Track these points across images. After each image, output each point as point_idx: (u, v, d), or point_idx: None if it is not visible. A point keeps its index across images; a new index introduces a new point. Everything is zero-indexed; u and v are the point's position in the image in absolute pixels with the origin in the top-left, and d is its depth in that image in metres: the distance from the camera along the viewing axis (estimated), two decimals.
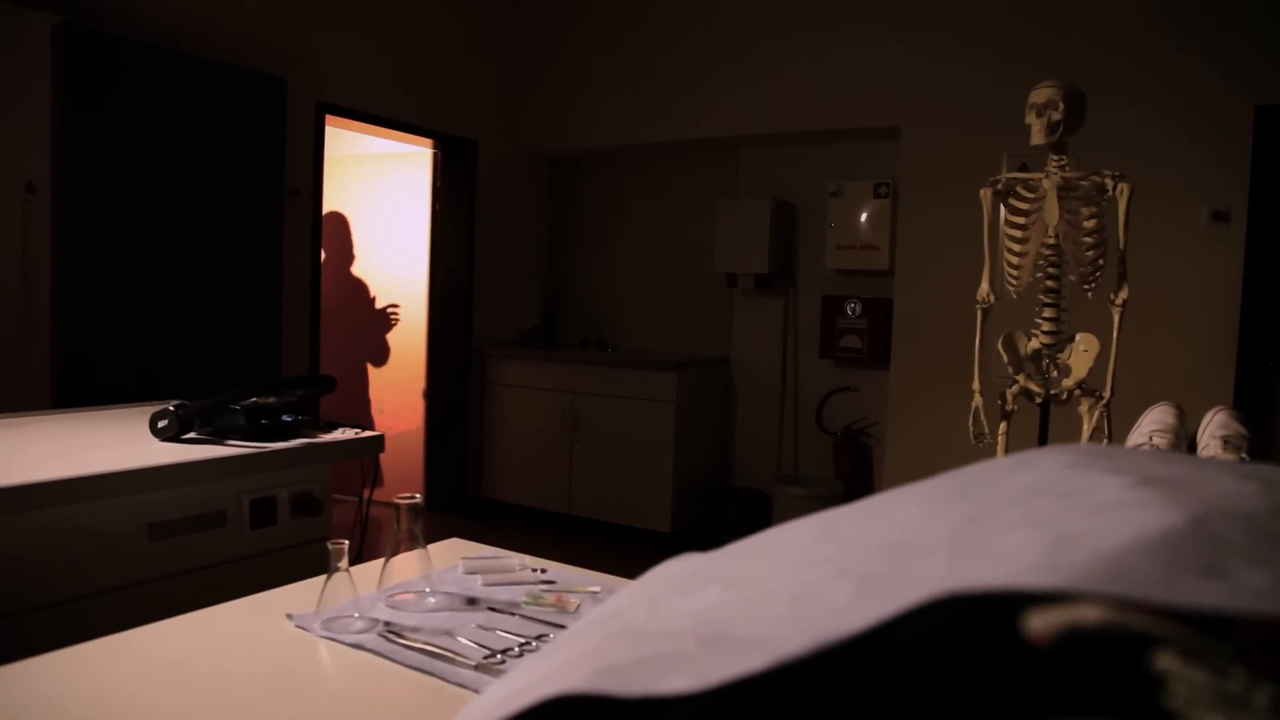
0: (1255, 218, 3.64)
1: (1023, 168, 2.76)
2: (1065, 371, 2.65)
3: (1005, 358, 2.72)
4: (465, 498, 5.34)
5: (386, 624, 1.16)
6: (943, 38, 4.28)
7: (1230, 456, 1.42)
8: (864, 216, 4.65)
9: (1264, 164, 3.63)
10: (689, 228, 5.33)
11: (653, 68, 5.16)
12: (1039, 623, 0.23)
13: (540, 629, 1.17)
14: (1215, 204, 3.69)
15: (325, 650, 1.09)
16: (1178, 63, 3.74)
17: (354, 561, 1.32)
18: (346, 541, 1.17)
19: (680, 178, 5.43)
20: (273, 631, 1.14)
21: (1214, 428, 1.57)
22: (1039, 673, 0.22)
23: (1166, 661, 0.21)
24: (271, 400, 2.00)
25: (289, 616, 1.17)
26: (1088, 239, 2.57)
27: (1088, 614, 0.22)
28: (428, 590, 1.26)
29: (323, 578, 1.17)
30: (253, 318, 3.80)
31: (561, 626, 1.18)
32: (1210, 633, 0.23)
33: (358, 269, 5.60)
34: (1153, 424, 1.56)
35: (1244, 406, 3.55)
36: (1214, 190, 3.70)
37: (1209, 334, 3.73)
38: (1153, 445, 1.44)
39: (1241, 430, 1.56)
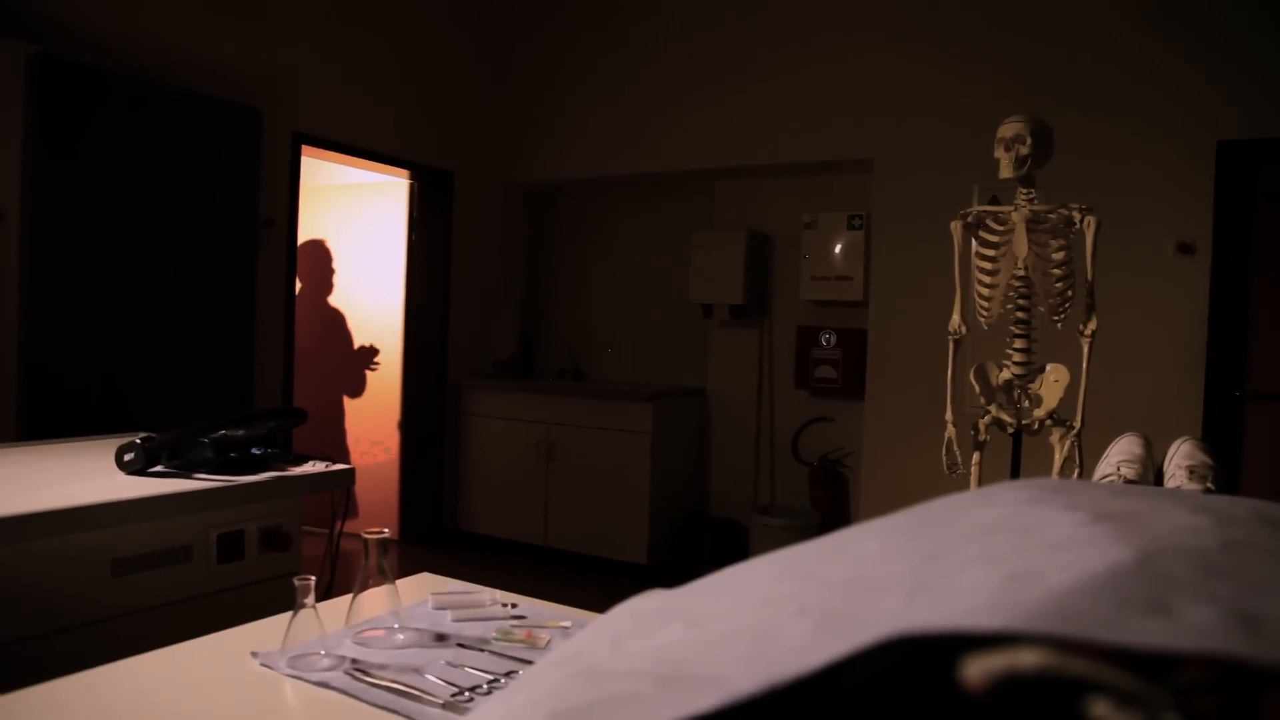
0: (1219, 249, 3.71)
1: (993, 200, 2.80)
2: (1036, 402, 2.67)
3: (977, 388, 2.75)
4: (440, 529, 5.29)
5: (353, 661, 1.14)
6: (914, 72, 4.35)
7: (1196, 486, 1.44)
8: (838, 248, 4.70)
9: (1226, 197, 3.70)
10: (665, 259, 5.36)
11: (629, 100, 5.20)
12: (975, 670, 0.22)
13: (510, 665, 1.16)
14: (1180, 236, 3.76)
15: (290, 689, 1.07)
16: (1143, 97, 3.83)
17: (326, 596, 1.30)
18: (313, 578, 1.16)
19: (656, 209, 5.46)
20: (237, 670, 1.12)
21: (1180, 458, 1.59)
22: (978, 718, 0.22)
23: (1099, 709, 0.21)
24: (241, 433, 1.98)
25: (254, 654, 1.15)
26: (1056, 270, 2.61)
27: (1025, 659, 0.22)
28: (396, 626, 1.24)
29: (289, 614, 1.15)
30: (225, 348, 3.76)
31: (531, 663, 1.17)
32: (1152, 674, 0.23)
33: (334, 299, 5.58)
34: (1120, 454, 1.57)
35: (1211, 436, 3.60)
36: (1179, 223, 3.77)
37: (1176, 364, 3.78)
38: (1120, 475, 1.45)
39: (1207, 460, 1.57)
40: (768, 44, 4.77)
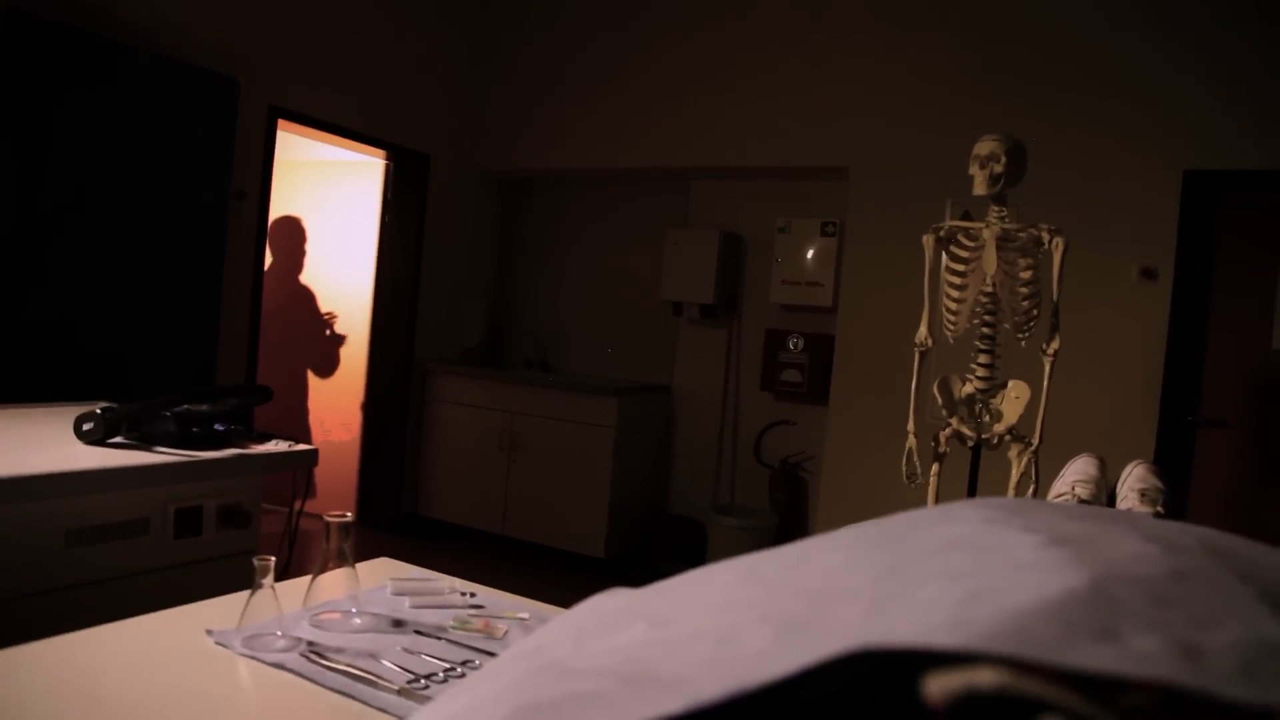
0: (1181, 276, 3.79)
1: (965, 215, 2.84)
2: (997, 417, 2.72)
3: (940, 400, 2.79)
4: (399, 514, 5.26)
5: (309, 644, 1.14)
6: (892, 83, 4.39)
7: (1146, 509, 1.47)
8: (810, 253, 4.73)
9: (1190, 225, 3.78)
10: (637, 255, 5.36)
11: (608, 94, 5.20)
12: (936, 686, 0.24)
13: (466, 654, 1.17)
14: (1145, 261, 3.83)
15: (244, 669, 1.07)
16: (1115, 123, 3.89)
17: (281, 576, 1.29)
18: (273, 558, 1.15)
19: (631, 205, 5.46)
20: (191, 647, 1.11)
21: (1133, 480, 1.63)
22: None
23: None
24: (204, 408, 1.96)
25: (209, 632, 1.14)
26: (1023, 289, 2.65)
27: (983, 678, 0.24)
28: (354, 610, 1.24)
29: (246, 593, 1.14)
30: (190, 320, 3.72)
31: (488, 653, 1.17)
32: (1099, 697, 0.24)
33: (304, 276, 5.52)
34: (1076, 474, 1.61)
35: (1162, 458, 3.68)
36: (1144, 248, 3.84)
37: (1134, 387, 3.86)
38: (1074, 495, 1.49)
39: (1158, 484, 1.61)
40: (749, 47, 4.79)
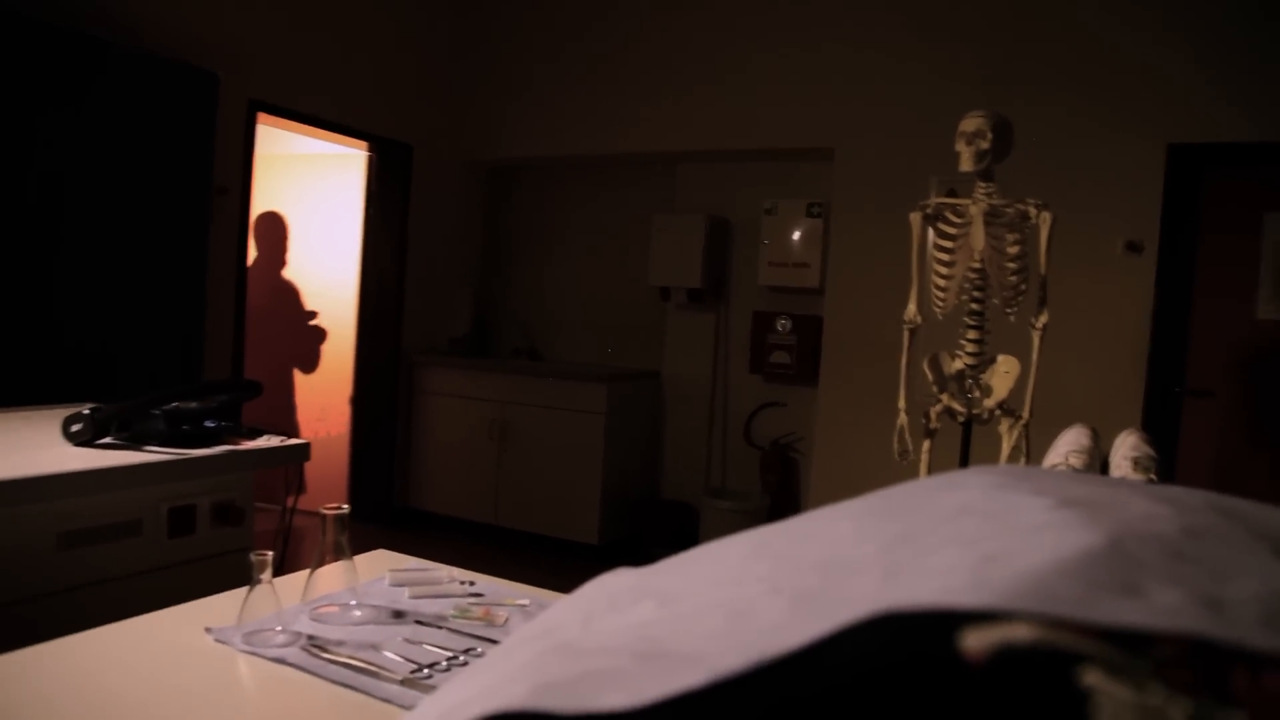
0: (1166, 249, 3.81)
1: (951, 193, 2.84)
2: (987, 392, 2.73)
3: (930, 377, 2.79)
4: (390, 507, 5.25)
5: (310, 638, 1.13)
6: (878, 63, 4.38)
7: (1140, 477, 1.48)
8: (797, 235, 4.73)
9: (1175, 198, 3.80)
10: (624, 240, 5.35)
11: (593, 80, 5.17)
12: (974, 641, 0.23)
13: (468, 643, 1.16)
14: (1130, 235, 3.85)
15: (245, 665, 1.06)
16: (1100, 97, 3.90)
17: (276, 573, 1.29)
18: (270, 553, 1.15)
19: (617, 191, 5.45)
20: (191, 645, 1.10)
21: (1125, 449, 1.64)
22: (973, 690, 0.23)
23: (1092, 677, 0.22)
24: (194, 405, 1.95)
25: (208, 630, 1.14)
26: (1011, 264, 2.66)
27: (1019, 632, 0.23)
28: (353, 603, 1.24)
29: (244, 590, 1.14)
30: (175, 318, 3.68)
31: (489, 640, 1.17)
32: (1129, 650, 0.24)
33: (288, 271, 5.48)
34: (1069, 445, 1.62)
35: (1150, 428, 3.70)
36: (1129, 222, 3.85)
37: (1121, 359, 3.88)
38: (1069, 466, 1.49)
39: (1150, 452, 1.63)
40: (734, 30, 4.77)
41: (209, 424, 1.97)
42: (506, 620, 1.25)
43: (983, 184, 2.69)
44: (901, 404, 2.87)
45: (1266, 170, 3.75)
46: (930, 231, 2.81)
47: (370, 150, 5.18)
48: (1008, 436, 2.70)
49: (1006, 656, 0.23)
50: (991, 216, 2.67)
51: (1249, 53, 3.63)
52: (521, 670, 0.40)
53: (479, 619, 1.25)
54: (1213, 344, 3.82)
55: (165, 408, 1.88)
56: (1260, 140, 3.62)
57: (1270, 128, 3.59)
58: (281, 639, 1.11)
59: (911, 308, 2.86)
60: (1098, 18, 3.91)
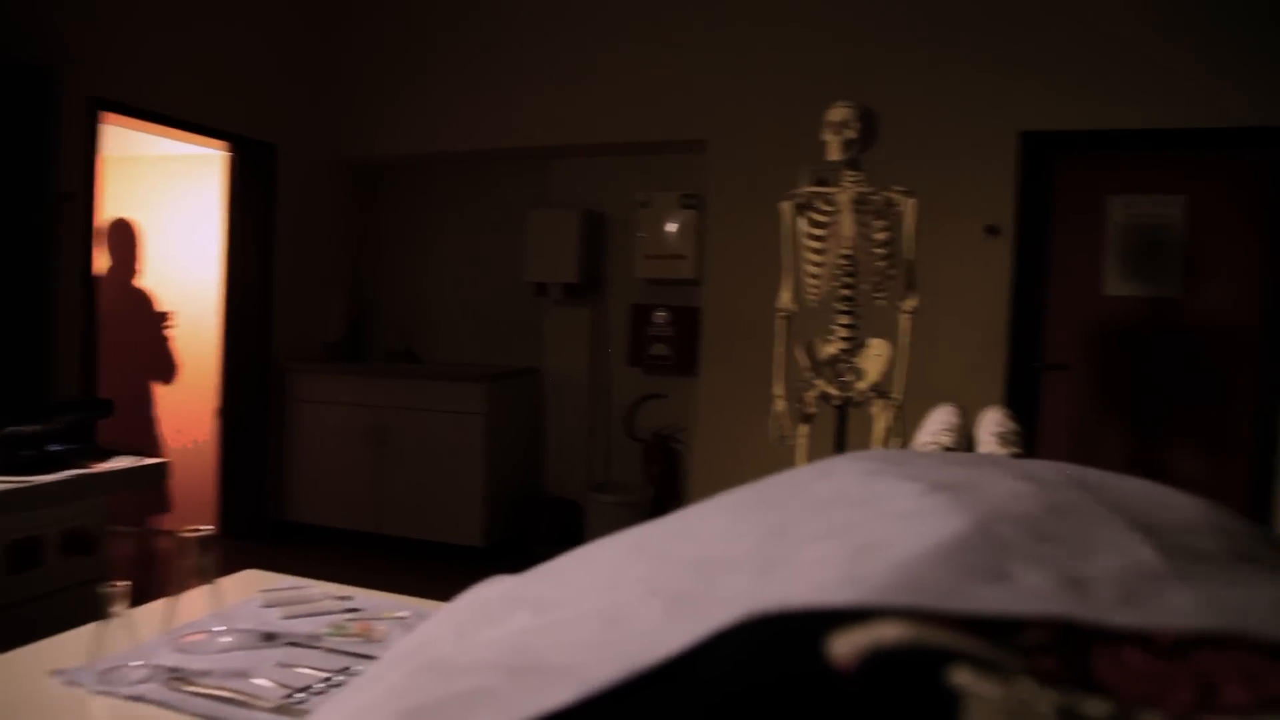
0: (1022, 232, 4.01)
1: (820, 181, 2.91)
2: (860, 375, 2.81)
3: (805, 363, 2.86)
4: (265, 521, 5.03)
5: (171, 670, 1.06)
6: (747, 55, 4.45)
7: (1005, 451, 1.55)
8: (672, 227, 4.76)
9: (1029, 182, 4.01)
10: (499, 237, 5.28)
11: (463, 76, 5.08)
12: (843, 646, 0.22)
13: (345, 661, 1.11)
14: (988, 219, 4.03)
15: (99, 707, 0.99)
16: (957, 89, 4.07)
17: (138, 601, 1.20)
18: (126, 582, 1.07)
19: (491, 187, 5.36)
20: (35, 692, 1.01)
21: (989, 425, 1.71)
22: (846, 697, 0.22)
23: (961, 676, 0.21)
24: (35, 428, 1.81)
25: (57, 673, 1.05)
26: (879, 250, 2.74)
27: (888, 633, 0.23)
28: (220, 629, 1.17)
29: (96, 625, 1.06)
30: (15, 334, 3.43)
31: (368, 657, 1.13)
32: (1000, 638, 0.23)
33: (144, 279, 5.17)
34: (938, 423, 1.68)
35: (1012, 403, 3.90)
36: (987, 207, 4.04)
37: (984, 338, 4.07)
38: (939, 444, 1.55)
39: (1014, 426, 1.70)
40: (602, 23, 4.76)
41: (53, 448, 1.83)
42: (386, 634, 1.20)
43: (850, 173, 2.76)
44: (779, 390, 2.93)
45: (1109, 156, 4.00)
46: (802, 220, 2.87)
47: (231, 150, 4.93)
48: (881, 417, 2.78)
49: (877, 661, 0.22)
50: (859, 204, 2.74)
51: (1094, 43, 3.86)
52: (390, 695, 0.38)
53: (356, 635, 1.20)
54: (1066, 320, 4.05)
55: (2, 432, 1.74)
56: (1103, 128, 3.85)
57: (1112, 116, 3.83)
58: (139, 674, 1.04)
59: (785, 295, 2.91)
60: (954, 10, 4.07)
